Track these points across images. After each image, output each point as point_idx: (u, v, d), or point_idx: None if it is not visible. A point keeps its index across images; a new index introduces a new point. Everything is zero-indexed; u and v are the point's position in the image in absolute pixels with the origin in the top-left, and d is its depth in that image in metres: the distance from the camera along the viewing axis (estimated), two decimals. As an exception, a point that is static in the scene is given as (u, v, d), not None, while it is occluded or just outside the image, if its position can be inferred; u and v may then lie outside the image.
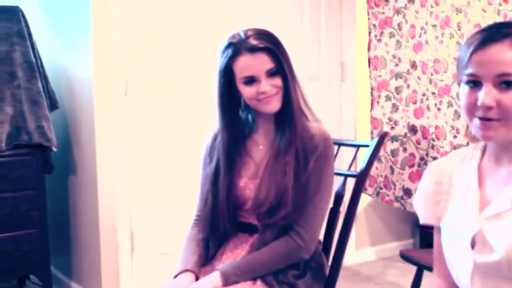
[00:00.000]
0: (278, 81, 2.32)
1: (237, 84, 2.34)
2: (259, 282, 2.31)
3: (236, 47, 2.31)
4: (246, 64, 2.30)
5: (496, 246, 1.61)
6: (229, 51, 2.32)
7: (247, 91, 2.32)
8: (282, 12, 4.37)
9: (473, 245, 1.68)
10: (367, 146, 2.53)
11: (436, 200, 1.87)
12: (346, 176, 2.62)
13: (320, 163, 2.34)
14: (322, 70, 4.61)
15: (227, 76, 2.35)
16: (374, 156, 2.50)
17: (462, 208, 1.77)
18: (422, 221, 1.96)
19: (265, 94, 2.30)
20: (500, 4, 3.91)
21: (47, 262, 3.91)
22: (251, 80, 2.30)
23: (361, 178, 2.49)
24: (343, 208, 2.55)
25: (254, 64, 2.31)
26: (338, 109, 4.69)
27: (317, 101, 4.42)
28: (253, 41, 2.30)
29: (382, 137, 2.53)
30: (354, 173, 2.54)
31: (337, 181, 2.55)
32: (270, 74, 2.31)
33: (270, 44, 2.32)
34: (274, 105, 2.34)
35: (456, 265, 1.77)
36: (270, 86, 2.30)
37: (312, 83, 4.49)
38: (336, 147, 2.62)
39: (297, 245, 2.32)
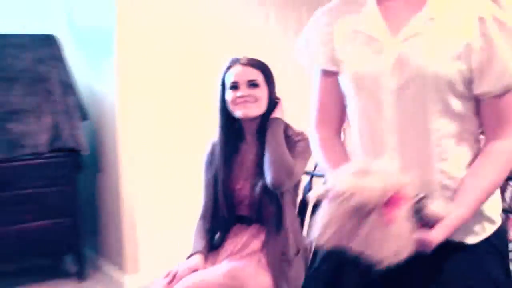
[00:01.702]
0: (259, 91, 2.31)
1: (226, 92, 2.35)
2: (260, 262, 2.28)
3: (234, 61, 2.35)
4: (234, 73, 2.32)
5: (417, 63, 1.36)
6: (228, 64, 2.36)
7: (228, 95, 2.32)
8: (277, 41, 4.23)
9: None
10: None
11: (329, 40, 1.51)
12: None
13: (301, 144, 2.31)
14: (304, 87, 4.37)
15: (224, 85, 2.36)
16: None
17: (367, 42, 1.44)
18: (307, 63, 1.60)
19: (242, 98, 2.29)
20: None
21: (79, 244, 3.90)
22: (234, 87, 2.30)
23: None
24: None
25: (240, 72, 2.32)
26: None
27: (299, 111, 4.31)
28: (245, 59, 2.35)
29: None
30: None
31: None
32: (252, 84, 2.30)
33: (258, 63, 2.36)
34: (249, 111, 2.30)
35: (372, 100, 1.43)
36: (248, 93, 2.30)
37: (295, 98, 4.34)
38: None
39: (292, 168, 2.25)
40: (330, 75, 1.52)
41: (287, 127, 2.39)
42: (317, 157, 1.60)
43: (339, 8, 1.52)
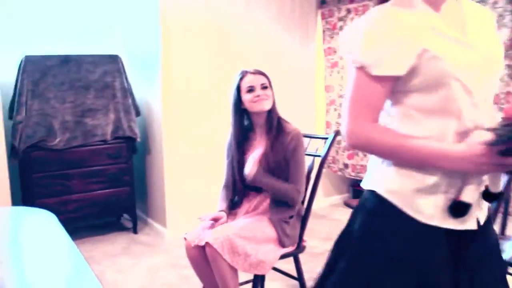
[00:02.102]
0: (268, 91, 2.37)
1: (242, 95, 2.36)
2: (265, 220, 2.33)
3: (244, 73, 2.39)
4: (249, 80, 2.36)
5: (498, 57, 1.26)
6: (240, 75, 2.39)
7: (247, 97, 2.34)
8: (277, 56, 4.29)
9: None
10: (327, 138, 2.53)
11: (408, 47, 1.16)
12: (314, 156, 2.60)
13: (296, 149, 2.34)
14: (297, 92, 4.50)
15: (238, 91, 2.38)
16: (332, 144, 2.49)
17: (453, 42, 1.19)
18: (383, 71, 1.18)
19: (259, 97, 2.33)
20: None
21: (134, 206, 3.99)
22: (251, 90, 2.34)
23: (324, 157, 2.48)
24: (313, 175, 2.57)
25: (254, 79, 2.36)
26: (305, 115, 4.60)
27: (293, 111, 4.44)
28: (253, 70, 2.40)
29: (337, 133, 2.52)
30: (320, 154, 2.51)
31: (310, 159, 2.57)
32: (263, 87, 2.36)
33: (263, 72, 2.41)
34: (264, 106, 2.35)
35: (463, 91, 1.17)
36: (262, 93, 2.34)
37: (290, 100, 4.44)
38: (308, 139, 2.63)
39: (297, 192, 2.34)
40: (392, 79, 1.20)
41: (283, 123, 2.39)
42: (377, 140, 1.22)
43: (398, 16, 1.18)
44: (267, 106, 2.36)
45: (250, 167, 2.23)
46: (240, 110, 2.39)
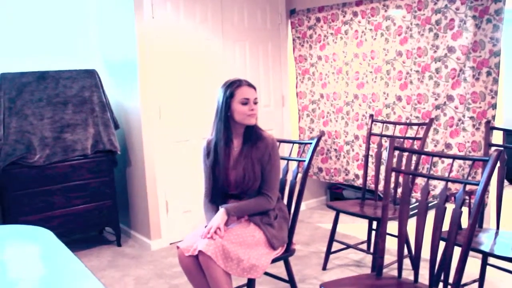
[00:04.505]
0: (256, 107, 2.38)
1: (234, 104, 2.33)
2: (252, 224, 2.32)
3: (241, 82, 2.37)
4: (246, 91, 2.34)
5: None
6: (237, 83, 2.35)
7: (242, 108, 2.33)
8: (251, 66, 4.35)
9: None
10: (310, 143, 2.53)
11: None
12: (298, 161, 2.61)
13: (271, 155, 2.35)
14: (272, 100, 4.58)
15: (231, 99, 2.34)
16: (315, 148, 2.51)
17: None
18: None
19: (253, 111, 2.34)
20: (368, 63, 3.96)
21: (116, 219, 3.93)
22: (246, 102, 2.32)
23: (309, 161, 2.48)
24: (298, 179, 2.57)
25: (250, 92, 2.35)
26: (281, 122, 4.67)
27: (269, 118, 4.49)
28: (248, 82, 2.39)
29: (320, 137, 2.53)
30: (304, 159, 2.52)
31: (293, 164, 2.58)
32: (255, 102, 2.37)
33: (255, 86, 2.41)
34: (254, 120, 2.36)
35: None
36: (255, 108, 2.35)
37: (266, 108, 4.51)
38: (290, 144, 2.65)
39: (268, 200, 2.35)
40: None
41: (259, 131, 2.40)
42: None
43: None
44: (255, 121, 2.37)
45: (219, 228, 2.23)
46: (227, 116, 2.36)
